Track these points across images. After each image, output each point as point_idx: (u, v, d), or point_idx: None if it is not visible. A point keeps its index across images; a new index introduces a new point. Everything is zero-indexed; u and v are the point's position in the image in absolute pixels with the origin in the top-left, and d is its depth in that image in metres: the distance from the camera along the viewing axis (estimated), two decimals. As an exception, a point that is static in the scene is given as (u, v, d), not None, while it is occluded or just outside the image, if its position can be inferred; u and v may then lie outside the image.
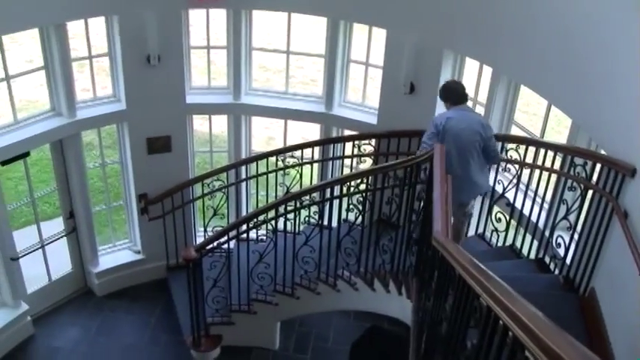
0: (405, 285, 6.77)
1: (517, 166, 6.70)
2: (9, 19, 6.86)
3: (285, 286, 7.55)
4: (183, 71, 8.47)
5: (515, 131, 7.36)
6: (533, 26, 6.09)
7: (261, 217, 6.90)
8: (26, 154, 7.92)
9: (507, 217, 6.98)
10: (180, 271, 7.80)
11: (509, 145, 6.82)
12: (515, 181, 6.78)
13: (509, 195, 6.89)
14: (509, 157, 6.78)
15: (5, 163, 7.72)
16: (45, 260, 8.93)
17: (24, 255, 8.50)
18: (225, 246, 7.01)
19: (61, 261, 9.23)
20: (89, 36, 8.05)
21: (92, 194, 9.32)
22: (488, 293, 2.70)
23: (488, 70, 7.28)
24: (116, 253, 9.69)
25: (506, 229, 7.07)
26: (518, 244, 7.00)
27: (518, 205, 6.85)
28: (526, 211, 6.74)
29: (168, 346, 8.62)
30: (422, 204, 6.26)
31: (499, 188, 6.97)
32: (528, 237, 6.80)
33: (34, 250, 8.67)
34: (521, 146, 6.66)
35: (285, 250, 7.11)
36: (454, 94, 6.64)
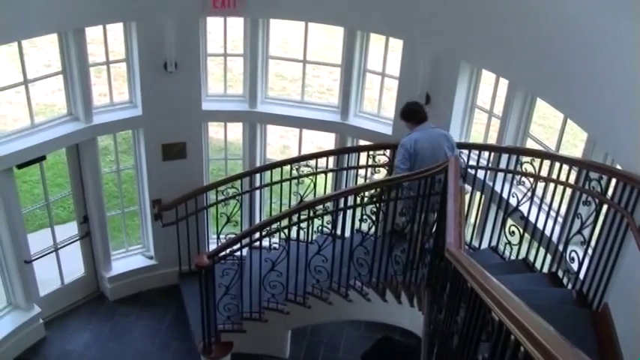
0: (416, 296, 6.75)
1: (532, 180, 6.67)
2: (28, 23, 6.91)
3: (297, 295, 7.56)
4: (200, 78, 8.50)
5: (530, 144, 7.33)
6: (550, 40, 6.07)
7: (275, 226, 6.92)
8: (42, 158, 7.96)
9: (521, 231, 6.95)
10: (193, 277, 7.81)
11: (524, 158, 6.79)
12: (529, 194, 6.75)
13: (524, 208, 6.86)
14: (524, 170, 6.75)
15: (21, 166, 7.77)
16: (58, 264, 8.97)
17: (37, 258, 8.54)
18: (238, 253, 7.01)
19: (74, 265, 9.27)
20: (107, 42, 8.10)
21: (106, 199, 9.36)
22: (500, 307, 2.69)
23: (504, 82, 7.26)
24: (129, 258, 9.72)
25: (520, 243, 7.03)
26: (531, 257, 6.96)
27: (532, 218, 6.81)
28: (540, 225, 6.70)
29: (179, 352, 8.63)
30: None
31: (513, 201, 6.94)
32: (542, 251, 6.76)
33: (47, 254, 8.71)
34: (536, 159, 6.63)
35: (298, 258, 7.11)
36: (417, 114, 7.18)
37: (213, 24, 8.56)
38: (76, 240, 9.06)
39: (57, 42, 7.69)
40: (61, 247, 8.88)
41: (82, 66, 7.77)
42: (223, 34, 8.64)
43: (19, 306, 8.48)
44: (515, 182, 6.97)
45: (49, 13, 7.06)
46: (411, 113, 7.21)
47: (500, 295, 2.75)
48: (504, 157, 7.19)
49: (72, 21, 7.37)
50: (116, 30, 8.27)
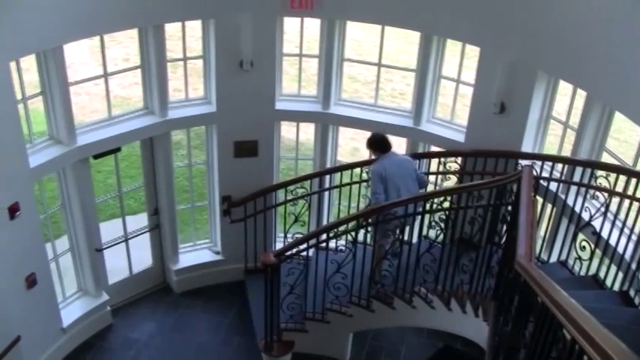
0: (482, 307, 6.67)
1: (606, 195, 6.53)
2: (112, 18, 7.10)
3: (361, 298, 7.54)
4: (275, 78, 8.55)
5: (606, 158, 7.16)
6: (630, 52, 5.92)
7: (342, 228, 6.93)
8: (117, 150, 8.14)
9: (592, 246, 6.80)
10: (258, 274, 7.86)
11: (599, 172, 6.65)
12: (602, 209, 6.61)
13: (596, 223, 6.72)
14: (599, 185, 6.61)
15: (97, 157, 7.97)
16: (127, 253, 9.17)
17: (108, 247, 8.76)
18: (304, 253, 7.04)
19: (142, 256, 9.47)
20: (185, 38, 8.24)
21: (177, 193, 9.51)
22: (573, 324, 2.64)
23: (581, 94, 7.11)
24: (196, 252, 9.86)
25: (590, 258, 6.89)
26: (601, 274, 6.81)
27: (604, 234, 6.66)
28: (613, 242, 6.55)
29: (241, 347, 8.72)
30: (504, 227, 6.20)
31: (585, 216, 6.81)
32: (613, 268, 6.60)
33: (117, 243, 8.92)
34: (611, 174, 6.49)
35: (364, 262, 7.10)
36: (383, 144, 7.55)
37: (290, 24, 8.61)
38: (146, 231, 9.24)
39: (137, 37, 7.85)
40: (131, 238, 9.07)
41: (160, 61, 7.92)
42: (300, 34, 8.69)
43: (89, 292, 8.70)
44: (588, 196, 6.84)
45: (132, 8, 7.23)
46: (379, 143, 7.57)
47: (574, 312, 2.70)
48: (578, 169, 7.05)
49: (153, 17, 7.52)
50: (194, 27, 8.40)
